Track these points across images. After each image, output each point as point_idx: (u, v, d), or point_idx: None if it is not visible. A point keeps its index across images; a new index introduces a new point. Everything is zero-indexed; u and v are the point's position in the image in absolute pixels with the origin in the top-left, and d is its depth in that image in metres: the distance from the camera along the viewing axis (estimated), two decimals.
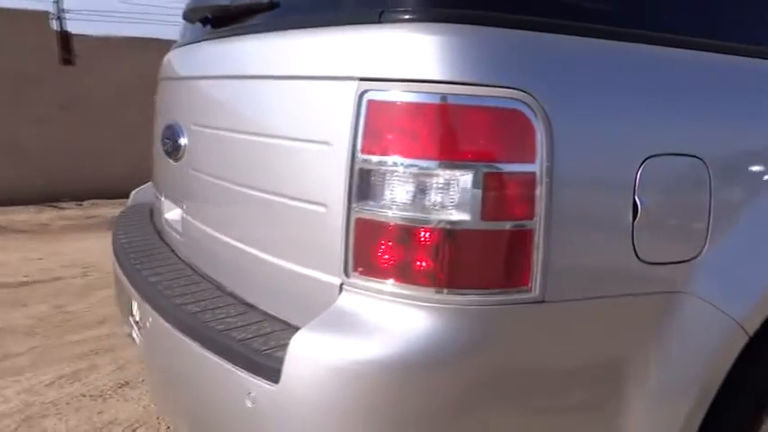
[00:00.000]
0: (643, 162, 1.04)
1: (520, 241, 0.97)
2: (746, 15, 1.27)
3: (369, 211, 1.02)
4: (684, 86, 1.14)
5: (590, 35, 1.06)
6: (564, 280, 1.00)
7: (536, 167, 0.96)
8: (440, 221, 0.97)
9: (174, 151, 1.62)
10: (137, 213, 2.17)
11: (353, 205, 1.04)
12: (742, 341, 1.11)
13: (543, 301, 0.99)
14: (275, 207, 1.22)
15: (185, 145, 1.59)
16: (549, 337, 1.02)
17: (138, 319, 1.56)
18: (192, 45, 1.72)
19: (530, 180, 0.96)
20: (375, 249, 1.02)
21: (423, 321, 0.98)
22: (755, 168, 1.19)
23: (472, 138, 0.97)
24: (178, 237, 1.70)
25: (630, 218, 1.03)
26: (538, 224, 0.97)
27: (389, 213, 1.00)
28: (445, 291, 0.98)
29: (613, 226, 1.04)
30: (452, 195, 0.96)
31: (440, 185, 0.97)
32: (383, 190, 1.01)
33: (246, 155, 1.32)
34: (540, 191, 0.96)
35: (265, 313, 1.26)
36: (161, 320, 1.36)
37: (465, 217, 0.96)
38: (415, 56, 0.98)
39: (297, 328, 1.05)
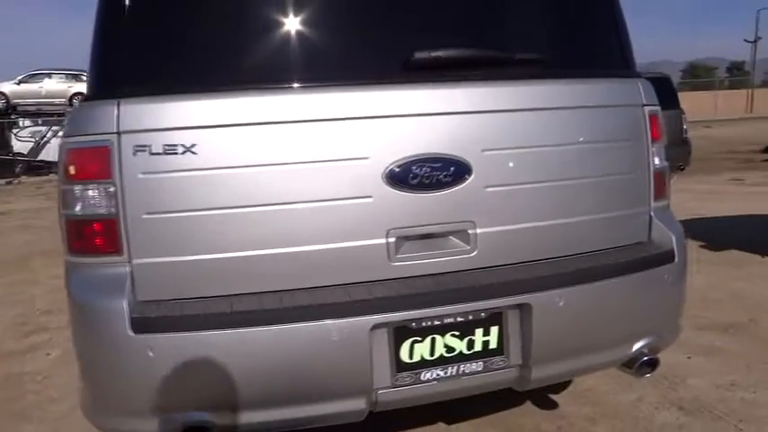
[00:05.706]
0: None
1: None
2: None
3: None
4: None
5: None
6: None
7: None
8: None
9: (452, 180, 1.93)
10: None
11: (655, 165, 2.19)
12: None
13: None
14: (603, 183, 2.12)
15: (472, 169, 1.94)
16: None
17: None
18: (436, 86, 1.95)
19: None
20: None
21: None
22: None
23: None
24: (458, 257, 1.98)
25: None
26: None
27: None
28: None
29: None
30: None
31: None
32: None
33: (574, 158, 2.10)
34: None
35: (597, 250, 2.12)
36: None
37: None
38: None
39: (628, 244, 2.17)
